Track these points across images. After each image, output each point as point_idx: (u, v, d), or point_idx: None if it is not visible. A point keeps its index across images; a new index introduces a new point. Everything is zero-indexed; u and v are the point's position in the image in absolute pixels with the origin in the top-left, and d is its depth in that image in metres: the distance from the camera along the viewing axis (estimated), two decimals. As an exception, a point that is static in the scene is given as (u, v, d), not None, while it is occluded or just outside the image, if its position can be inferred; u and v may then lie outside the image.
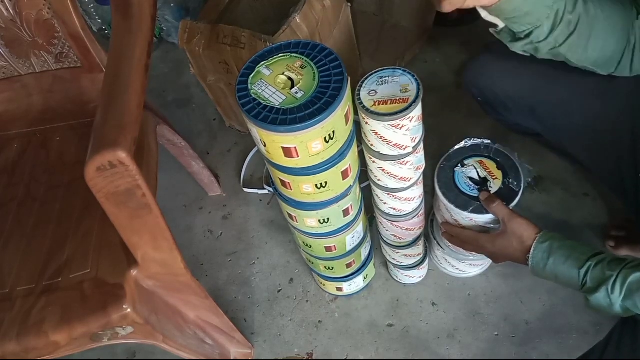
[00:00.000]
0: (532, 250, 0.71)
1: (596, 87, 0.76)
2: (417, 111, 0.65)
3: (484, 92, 0.89)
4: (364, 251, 0.98)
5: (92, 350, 0.72)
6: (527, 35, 0.65)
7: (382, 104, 0.64)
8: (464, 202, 0.83)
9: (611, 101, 0.77)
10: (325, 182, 0.70)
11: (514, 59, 0.81)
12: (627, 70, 0.66)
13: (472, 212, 0.81)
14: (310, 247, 0.90)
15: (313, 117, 0.59)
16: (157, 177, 0.79)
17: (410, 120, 0.65)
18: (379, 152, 0.70)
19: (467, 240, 0.83)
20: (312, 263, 0.99)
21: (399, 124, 0.65)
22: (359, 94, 0.67)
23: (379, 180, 0.77)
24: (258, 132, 0.63)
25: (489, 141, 0.87)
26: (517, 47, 0.67)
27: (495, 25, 0.68)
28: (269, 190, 1.26)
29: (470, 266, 1.04)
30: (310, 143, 0.63)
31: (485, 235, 0.80)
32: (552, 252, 0.69)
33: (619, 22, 0.64)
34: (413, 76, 0.67)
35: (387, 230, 0.91)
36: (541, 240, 0.71)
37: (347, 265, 0.97)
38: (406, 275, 1.05)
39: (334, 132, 0.63)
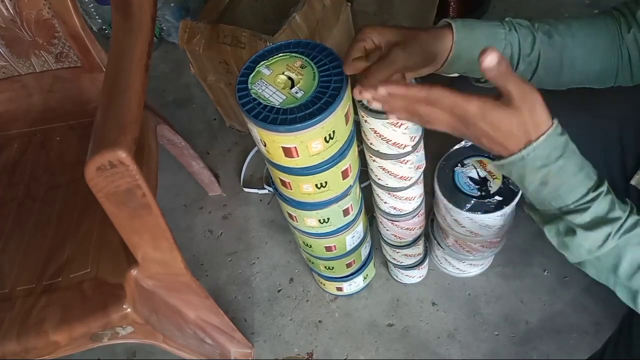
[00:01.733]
0: (543, 138, 0.48)
1: (584, 98, 0.76)
2: None
3: None
4: (364, 251, 0.98)
5: (92, 350, 0.72)
6: (487, 80, 0.56)
7: None
8: (464, 202, 0.83)
9: (599, 111, 0.77)
10: (325, 182, 0.70)
11: None
12: (629, 82, 0.65)
13: (472, 211, 0.82)
14: (310, 246, 0.90)
15: (313, 117, 0.59)
16: (157, 177, 0.79)
17: (409, 119, 0.65)
18: (378, 151, 0.70)
19: (433, 105, 0.52)
20: (312, 263, 0.99)
21: (397, 122, 0.64)
22: (358, 93, 0.67)
23: (379, 179, 0.77)
24: (258, 132, 0.63)
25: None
26: (484, 86, 0.63)
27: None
28: (269, 190, 1.26)
29: (470, 266, 1.04)
30: (310, 143, 0.63)
31: (474, 102, 0.49)
32: (565, 153, 0.49)
33: (600, 42, 0.62)
34: None
35: (387, 230, 0.91)
36: (559, 131, 0.50)
37: (347, 265, 0.97)
38: (406, 275, 1.05)
39: (334, 131, 0.63)
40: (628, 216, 0.50)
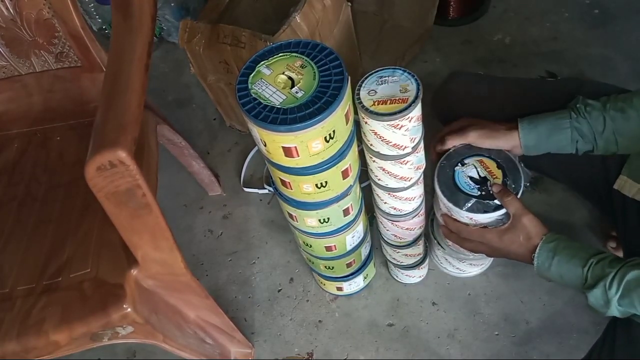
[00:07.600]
0: (537, 249, 0.71)
1: (561, 107, 0.77)
2: (417, 111, 0.65)
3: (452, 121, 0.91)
4: (364, 251, 0.98)
5: (92, 350, 0.72)
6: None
7: (382, 104, 0.64)
8: (463, 201, 0.83)
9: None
10: (326, 182, 0.70)
11: (477, 89, 0.87)
12: None
13: (472, 211, 0.81)
14: (311, 246, 0.90)
15: (313, 117, 0.59)
16: (157, 177, 0.79)
17: (410, 121, 0.65)
18: (378, 152, 0.70)
19: (470, 235, 0.81)
20: (312, 262, 0.99)
21: (398, 124, 0.64)
22: (358, 94, 0.67)
23: (379, 179, 0.77)
24: (258, 132, 0.63)
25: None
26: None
27: None
28: (269, 190, 1.26)
29: (470, 266, 1.04)
30: (311, 143, 0.63)
31: (492, 230, 0.79)
32: (557, 252, 0.69)
33: None
34: (413, 76, 0.67)
35: (387, 230, 0.91)
36: (548, 240, 0.71)
37: (347, 264, 0.97)
38: (406, 275, 1.05)
39: (334, 131, 0.63)
40: (618, 270, 0.63)
